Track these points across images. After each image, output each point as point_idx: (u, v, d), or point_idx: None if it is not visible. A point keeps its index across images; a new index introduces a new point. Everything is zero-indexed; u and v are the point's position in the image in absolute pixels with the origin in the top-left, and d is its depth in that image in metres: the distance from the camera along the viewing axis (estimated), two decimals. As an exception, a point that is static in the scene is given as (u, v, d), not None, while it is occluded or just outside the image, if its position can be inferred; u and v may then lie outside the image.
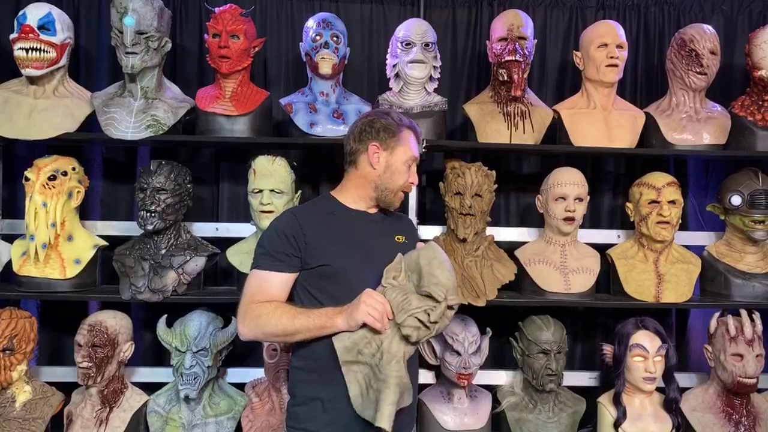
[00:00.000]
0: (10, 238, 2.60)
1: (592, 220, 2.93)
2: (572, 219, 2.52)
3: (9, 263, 2.49)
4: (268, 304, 1.72)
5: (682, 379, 2.63)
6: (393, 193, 1.86)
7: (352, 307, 1.66)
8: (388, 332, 1.66)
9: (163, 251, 2.48)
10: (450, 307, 1.65)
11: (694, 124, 2.63)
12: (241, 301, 1.77)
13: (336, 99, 2.61)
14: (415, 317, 1.62)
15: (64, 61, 2.51)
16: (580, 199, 2.54)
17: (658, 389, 2.49)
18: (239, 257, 2.53)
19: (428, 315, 1.62)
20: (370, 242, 1.83)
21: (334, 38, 2.52)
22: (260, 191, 2.42)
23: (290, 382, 1.86)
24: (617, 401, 2.44)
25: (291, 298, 1.81)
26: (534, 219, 2.81)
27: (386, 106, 2.60)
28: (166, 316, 2.47)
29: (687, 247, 2.70)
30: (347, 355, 1.67)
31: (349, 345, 1.66)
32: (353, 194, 1.88)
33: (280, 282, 1.76)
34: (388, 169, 1.83)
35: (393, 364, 1.63)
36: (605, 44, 2.57)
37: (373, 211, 1.90)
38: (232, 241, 2.66)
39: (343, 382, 1.69)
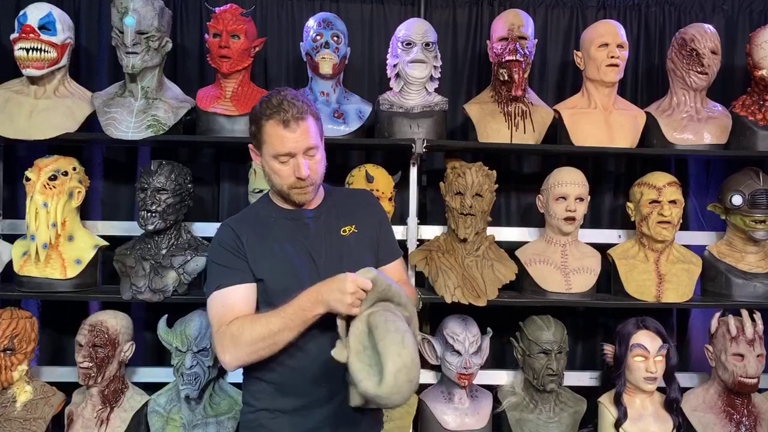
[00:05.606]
0: (10, 238, 2.60)
1: (592, 220, 2.92)
2: (573, 219, 2.52)
3: (10, 263, 2.49)
4: (237, 320, 1.57)
5: (683, 379, 2.62)
6: (286, 194, 1.68)
7: (331, 296, 1.50)
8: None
9: (164, 251, 2.48)
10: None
11: (694, 124, 2.62)
12: (212, 331, 1.62)
13: (336, 99, 2.61)
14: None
15: (64, 61, 2.51)
16: (581, 199, 2.54)
17: (659, 389, 2.49)
18: (240, 257, 2.52)
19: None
20: (308, 250, 1.67)
21: (335, 38, 2.52)
22: (261, 191, 2.42)
23: (245, 391, 1.74)
24: (618, 401, 2.44)
25: None
26: (535, 219, 2.81)
27: (386, 106, 2.60)
28: (166, 316, 2.46)
29: (688, 246, 2.69)
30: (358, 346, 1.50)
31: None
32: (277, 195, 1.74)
33: (243, 294, 1.63)
34: (266, 171, 1.69)
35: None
36: (606, 44, 2.56)
37: (313, 205, 1.74)
38: (232, 241, 2.65)
39: (307, 394, 1.63)
